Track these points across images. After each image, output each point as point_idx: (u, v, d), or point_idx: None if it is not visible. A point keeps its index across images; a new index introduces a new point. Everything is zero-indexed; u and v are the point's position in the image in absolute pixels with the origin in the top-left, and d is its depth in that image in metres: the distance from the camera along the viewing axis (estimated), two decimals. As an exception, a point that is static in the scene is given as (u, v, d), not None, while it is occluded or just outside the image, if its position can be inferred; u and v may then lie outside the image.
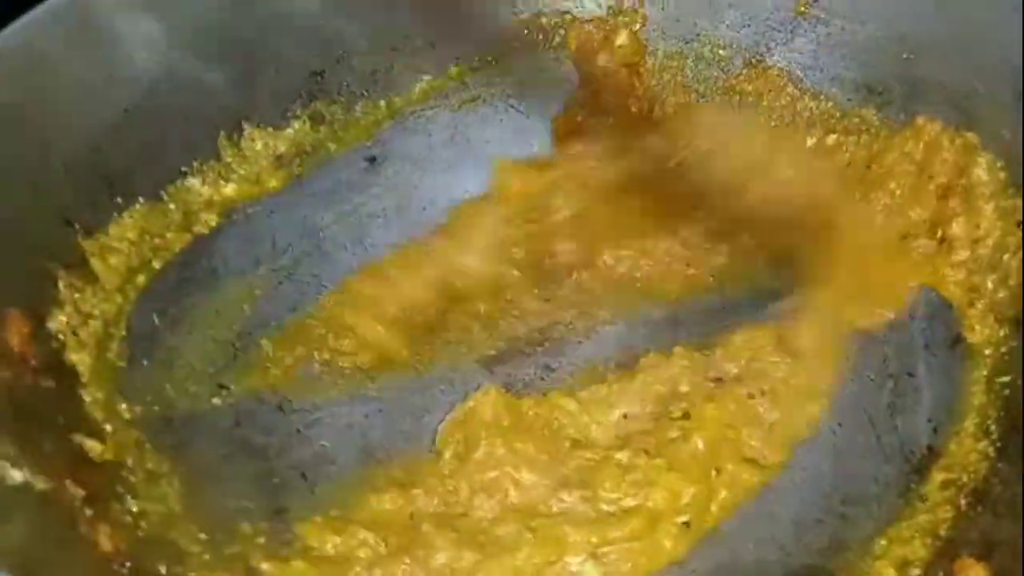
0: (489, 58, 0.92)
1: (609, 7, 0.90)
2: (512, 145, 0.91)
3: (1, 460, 0.54)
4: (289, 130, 0.85)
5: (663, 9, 0.89)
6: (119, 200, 0.73)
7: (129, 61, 0.73)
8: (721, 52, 0.89)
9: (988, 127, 0.75)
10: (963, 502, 0.63)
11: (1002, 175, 0.74)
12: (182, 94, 0.77)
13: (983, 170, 0.75)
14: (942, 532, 0.61)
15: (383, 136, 0.90)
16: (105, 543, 0.56)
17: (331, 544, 0.65)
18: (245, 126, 0.82)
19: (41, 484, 0.55)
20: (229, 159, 0.81)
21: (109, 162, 0.72)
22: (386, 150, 0.91)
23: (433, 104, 0.92)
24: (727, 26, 0.88)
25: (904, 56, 0.80)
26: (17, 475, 0.54)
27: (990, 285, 0.73)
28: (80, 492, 0.57)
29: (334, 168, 0.88)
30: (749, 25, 0.88)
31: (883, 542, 0.64)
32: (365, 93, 0.89)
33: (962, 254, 0.76)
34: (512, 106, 0.93)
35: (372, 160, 0.92)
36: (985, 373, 0.70)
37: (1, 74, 0.66)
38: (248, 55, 0.81)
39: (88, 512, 0.56)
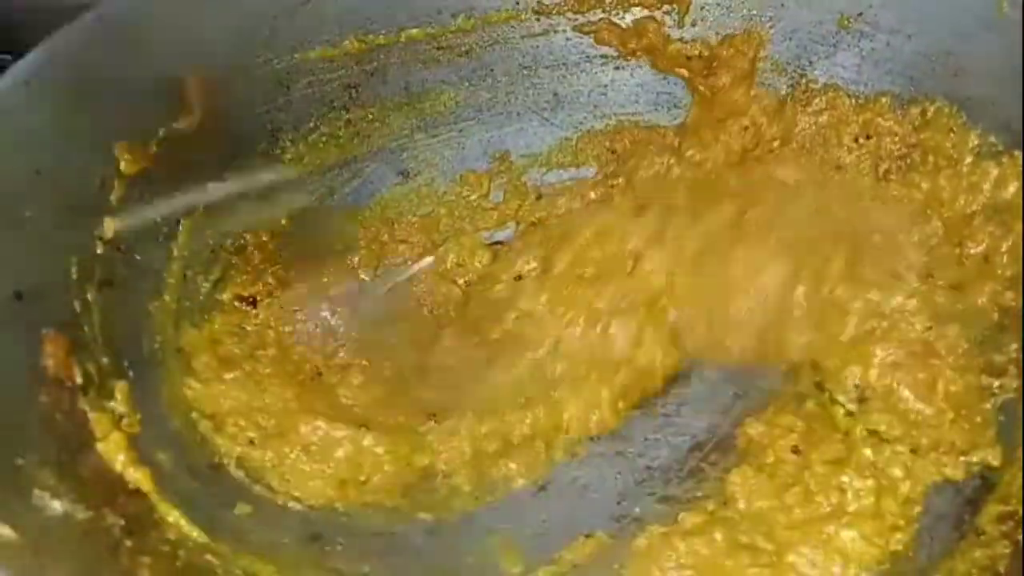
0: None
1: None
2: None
3: (41, 490, 0.52)
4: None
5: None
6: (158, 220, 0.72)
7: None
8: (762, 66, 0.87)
9: (1037, 147, 0.74)
10: (1020, 535, 0.61)
11: (1050, 195, 0.73)
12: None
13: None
14: (1000, 567, 0.60)
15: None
16: (145, 575, 0.54)
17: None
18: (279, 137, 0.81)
19: (81, 514, 0.54)
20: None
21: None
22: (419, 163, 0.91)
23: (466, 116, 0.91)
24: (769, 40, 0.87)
25: (952, 73, 0.78)
26: (57, 506, 0.53)
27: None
28: (120, 521, 0.55)
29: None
30: (791, 39, 0.86)
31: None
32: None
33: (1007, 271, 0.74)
34: (547, 119, 0.93)
35: (404, 174, 0.91)
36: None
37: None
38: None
39: (128, 543, 0.55)
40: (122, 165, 0.69)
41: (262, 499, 0.68)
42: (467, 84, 0.90)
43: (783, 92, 0.88)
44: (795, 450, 0.70)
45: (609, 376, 0.78)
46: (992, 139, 0.76)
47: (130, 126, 0.70)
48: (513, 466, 0.75)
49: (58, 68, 0.65)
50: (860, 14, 0.82)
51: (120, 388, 0.64)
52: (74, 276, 0.64)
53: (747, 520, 0.66)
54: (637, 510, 0.72)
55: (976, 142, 0.77)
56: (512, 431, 0.75)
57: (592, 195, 0.92)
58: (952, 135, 0.78)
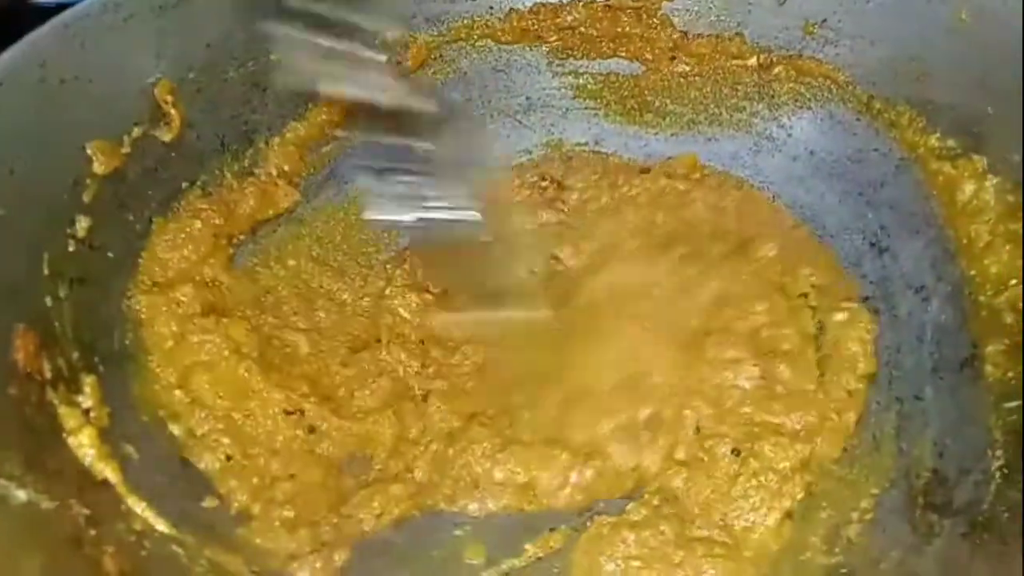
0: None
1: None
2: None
3: (5, 480, 0.53)
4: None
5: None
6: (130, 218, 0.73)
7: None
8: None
9: (997, 150, 0.75)
10: (972, 530, 0.62)
11: (1010, 199, 0.74)
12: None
13: (990, 194, 0.75)
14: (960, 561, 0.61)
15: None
16: (109, 564, 0.55)
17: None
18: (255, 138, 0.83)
19: (46, 503, 0.55)
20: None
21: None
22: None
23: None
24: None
25: (915, 78, 0.80)
26: (21, 495, 0.54)
27: (998, 308, 0.73)
28: (85, 511, 0.56)
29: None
30: (758, 43, 0.88)
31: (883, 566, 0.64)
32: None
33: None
34: (519, 121, 0.94)
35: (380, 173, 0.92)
36: (992, 398, 0.69)
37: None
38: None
39: (92, 532, 0.56)
40: (95, 165, 0.70)
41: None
42: (439, 86, 0.92)
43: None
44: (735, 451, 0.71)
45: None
46: (951, 142, 0.78)
47: (103, 126, 0.71)
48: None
49: (31, 68, 0.66)
50: (824, 20, 0.84)
51: (89, 382, 0.65)
52: (46, 272, 0.65)
53: (701, 516, 0.68)
54: (601, 504, 0.73)
55: (935, 144, 0.79)
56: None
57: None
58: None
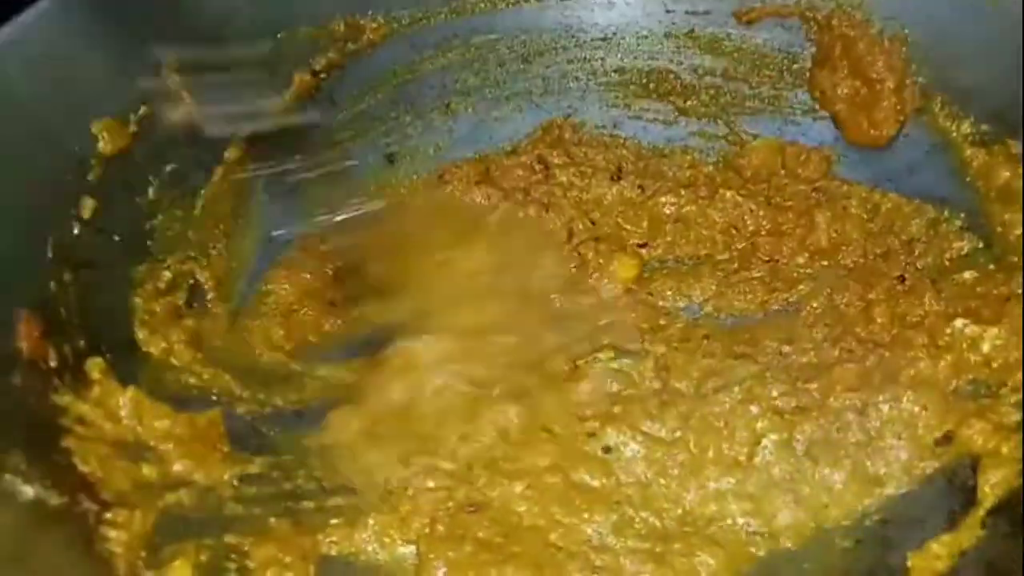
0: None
1: None
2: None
3: (11, 475, 0.51)
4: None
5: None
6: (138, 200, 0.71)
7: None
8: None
9: (1031, 136, 0.73)
10: (1013, 529, 0.60)
11: (1042, 185, 0.72)
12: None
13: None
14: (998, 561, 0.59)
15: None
16: (119, 563, 0.53)
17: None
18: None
19: (54, 500, 0.52)
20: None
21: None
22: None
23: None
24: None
25: (947, 62, 0.77)
26: (28, 491, 0.51)
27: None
28: (94, 507, 0.54)
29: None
30: (781, 25, 0.86)
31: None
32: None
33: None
34: (536, 104, 0.92)
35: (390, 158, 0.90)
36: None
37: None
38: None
39: (104, 529, 0.54)
40: (101, 145, 0.67)
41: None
42: (456, 68, 0.89)
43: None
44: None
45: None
46: (984, 127, 0.75)
47: (108, 105, 0.68)
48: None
49: (32, 45, 0.63)
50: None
51: (96, 364, 0.62)
52: (50, 256, 0.63)
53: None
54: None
55: (968, 130, 0.76)
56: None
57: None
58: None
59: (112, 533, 0.54)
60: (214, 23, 0.74)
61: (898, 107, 0.80)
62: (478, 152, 0.91)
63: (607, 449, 0.71)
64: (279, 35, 0.80)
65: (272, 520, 0.65)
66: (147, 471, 0.60)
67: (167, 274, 0.72)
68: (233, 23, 0.75)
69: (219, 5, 0.75)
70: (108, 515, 0.55)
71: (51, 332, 0.60)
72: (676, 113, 0.91)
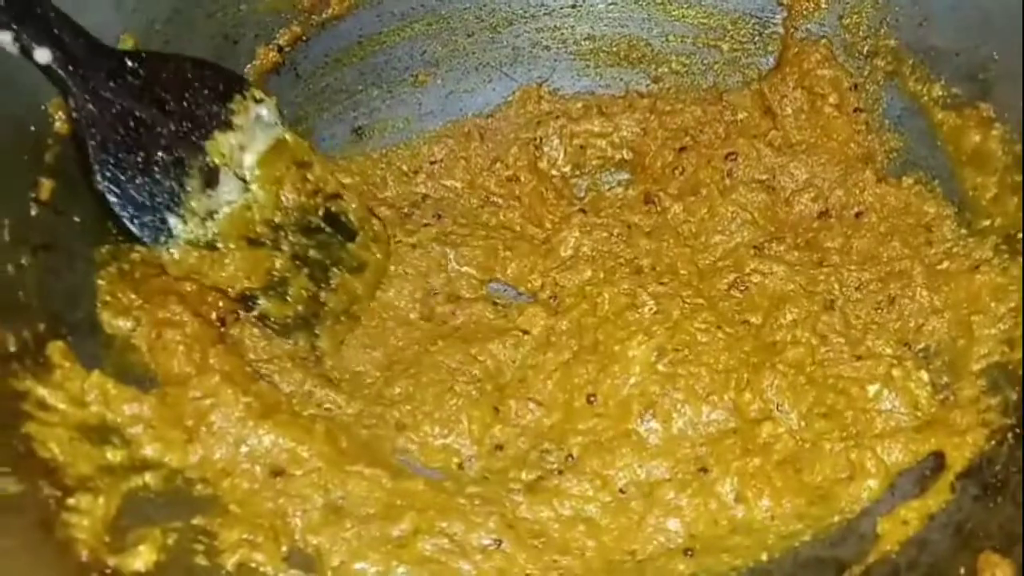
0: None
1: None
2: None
3: (-32, 463, 0.50)
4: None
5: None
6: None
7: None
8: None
9: (1003, 97, 0.72)
10: (982, 493, 0.60)
11: (1017, 148, 0.71)
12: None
13: (996, 144, 0.72)
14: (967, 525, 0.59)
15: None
16: (81, 549, 0.52)
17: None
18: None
19: (12, 487, 0.51)
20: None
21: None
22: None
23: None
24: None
25: (917, 23, 0.76)
26: (-14, 478, 0.50)
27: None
28: (56, 493, 0.53)
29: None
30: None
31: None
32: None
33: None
34: (506, 74, 0.90)
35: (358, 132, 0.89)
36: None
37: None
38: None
39: (65, 515, 0.53)
40: (56, 124, 0.66)
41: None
42: (423, 39, 0.88)
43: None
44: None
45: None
46: (956, 90, 0.75)
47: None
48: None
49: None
50: (824, -34, 0.81)
51: (57, 348, 0.61)
52: (7, 239, 0.62)
53: None
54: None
55: (940, 93, 0.76)
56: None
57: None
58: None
59: (74, 519, 0.53)
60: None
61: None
62: (448, 123, 0.90)
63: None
64: (242, 7, 0.78)
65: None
66: (111, 455, 0.59)
67: (135, 255, 0.71)
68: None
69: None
70: (70, 501, 0.54)
71: (9, 317, 0.59)
72: (648, 81, 0.91)
